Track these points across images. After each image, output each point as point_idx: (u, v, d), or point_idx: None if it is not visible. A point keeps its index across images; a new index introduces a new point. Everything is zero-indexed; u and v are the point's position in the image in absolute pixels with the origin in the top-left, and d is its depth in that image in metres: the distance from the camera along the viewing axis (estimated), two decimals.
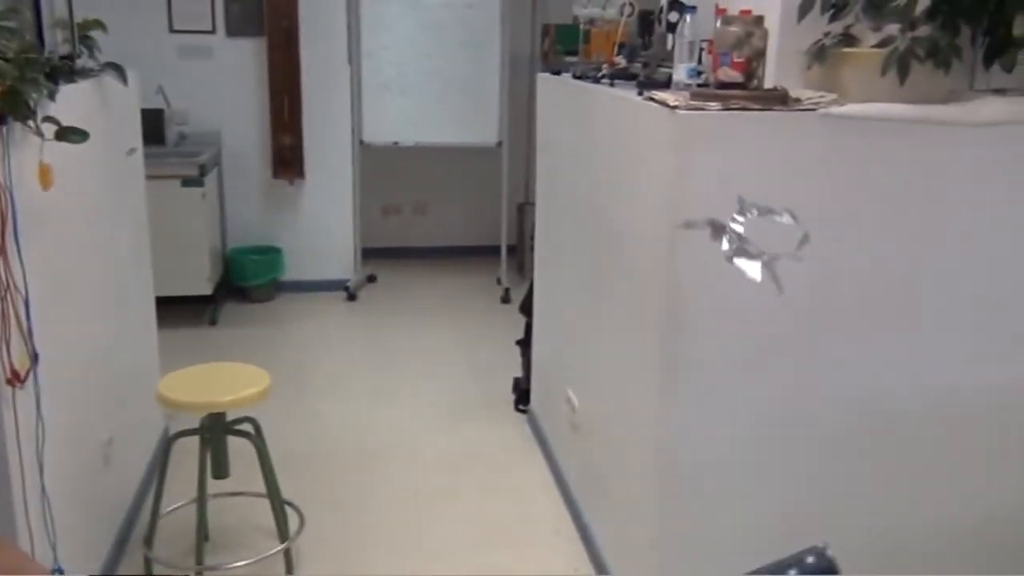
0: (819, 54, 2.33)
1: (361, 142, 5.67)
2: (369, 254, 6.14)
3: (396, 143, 5.70)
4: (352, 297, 5.75)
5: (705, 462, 2.35)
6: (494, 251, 6.04)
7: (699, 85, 2.41)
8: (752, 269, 2.22)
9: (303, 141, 5.61)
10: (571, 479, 3.34)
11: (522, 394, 4.14)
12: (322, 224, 5.80)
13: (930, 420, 2.42)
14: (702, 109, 2.16)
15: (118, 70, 2.98)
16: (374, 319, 5.43)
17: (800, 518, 2.44)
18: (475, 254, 6.47)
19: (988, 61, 2.31)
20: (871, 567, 2.50)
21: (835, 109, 2.18)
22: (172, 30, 5.41)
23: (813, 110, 2.18)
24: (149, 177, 3.65)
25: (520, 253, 6.19)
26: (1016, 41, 2.23)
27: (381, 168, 6.22)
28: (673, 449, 2.34)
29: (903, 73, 2.15)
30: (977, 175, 2.27)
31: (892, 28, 2.24)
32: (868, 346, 2.34)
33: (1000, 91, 2.38)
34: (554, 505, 3.36)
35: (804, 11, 2.33)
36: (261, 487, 2.89)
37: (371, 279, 6.08)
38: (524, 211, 6.04)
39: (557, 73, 3.55)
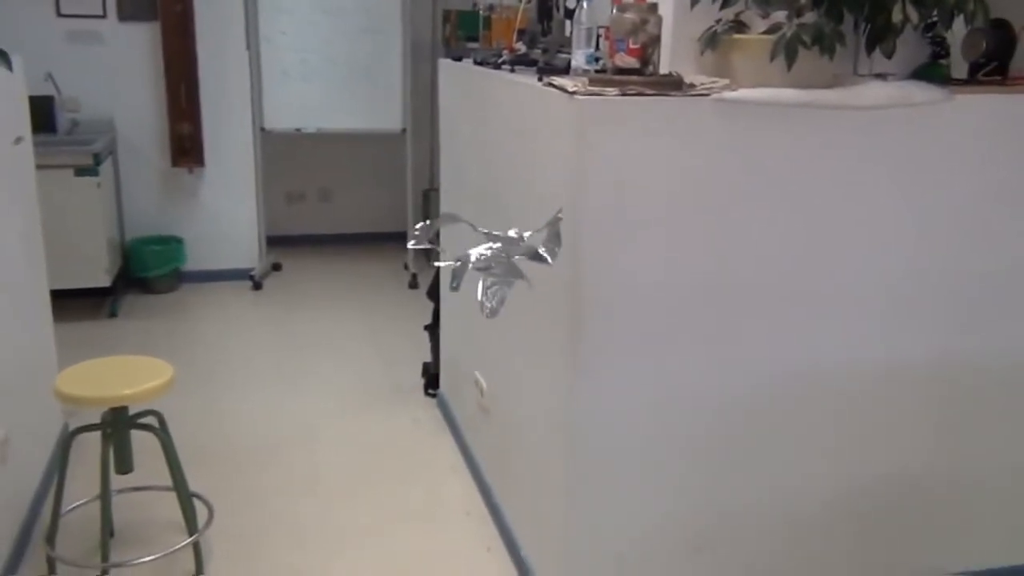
0: (711, 40, 2.38)
1: (262, 129, 5.56)
2: (274, 242, 6.03)
3: (298, 130, 5.61)
4: (257, 286, 5.65)
5: (610, 439, 2.40)
6: (400, 237, 6.00)
7: (597, 71, 2.44)
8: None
9: (202, 129, 5.48)
10: (481, 460, 3.36)
11: (431, 378, 4.14)
12: (224, 212, 5.68)
13: (821, 393, 2.51)
14: (600, 94, 2.18)
15: (1, 55, 2.85)
16: (280, 308, 5.35)
17: (703, 490, 2.51)
18: (381, 240, 6.43)
19: (870, 47, 2.39)
20: (772, 530, 2.59)
21: (727, 94, 2.23)
22: (60, 14, 5.19)
23: (706, 95, 2.23)
24: (40, 167, 3.51)
25: None
26: (895, 28, 2.32)
27: (284, 155, 6.12)
28: (579, 427, 2.38)
29: (790, 59, 2.21)
30: (861, 156, 2.36)
31: (780, 15, 2.30)
32: (764, 323, 2.41)
33: (881, 76, 2.48)
34: (465, 486, 3.38)
35: None
36: (167, 481, 2.82)
37: (276, 267, 5.98)
38: (430, 197, 6.01)
39: (458, 59, 3.54)
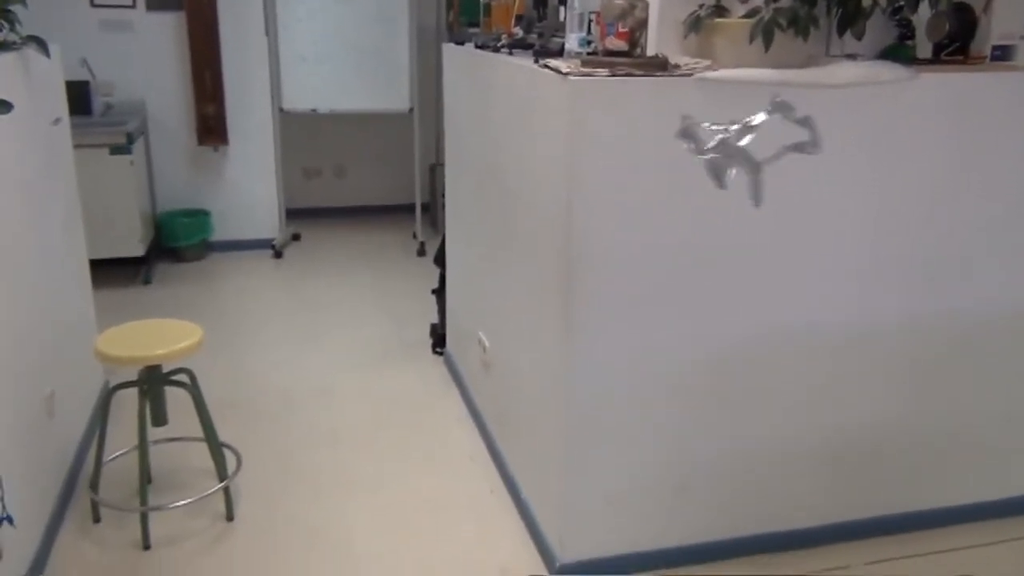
0: (694, 24, 2.35)
1: (281, 109, 5.52)
2: (293, 214, 6.01)
3: (314, 110, 5.57)
4: (278, 255, 5.64)
5: (600, 391, 2.40)
6: (409, 209, 5.99)
7: (589, 53, 2.42)
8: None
9: (225, 110, 5.44)
10: (484, 412, 3.38)
11: (438, 338, 4.14)
12: (247, 187, 5.66)
13: (795, 349, 2.52)
14: (591, 75, 2.16)
15: (39, 43, 2.82)
16: (299, 275, 5.34)
17: (686, 436, 2.52)
18: (392, 212, 6.41)
19: (841, 29, 2.36)
20: (749, 473, 2.61)
21: (709, 74, 2.21)
22: (93, 4, 5.14)
23: (690, 75, 2.21)
24: (78, 146, 3.49)
25: (433, 210, 6.15)
26: (865, 11, 2.30)
27: (301, 134, 6.09)
28: (572, 381, 2.38)
29: (768, 40, 2.20)
30: (833, 131, 2.34)
31: (758, 0, 2.28)
32: (742, 285, 2.41)
33: (852, 56, 2.46)
34: (470, 435, 3.40)
35: None
36: (199, 433, 2.84)
37: (296, 237, 5.97)
38: (435, 171, 5.99)
39: (461, 43, 3.50)
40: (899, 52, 2.52)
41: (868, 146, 2.39)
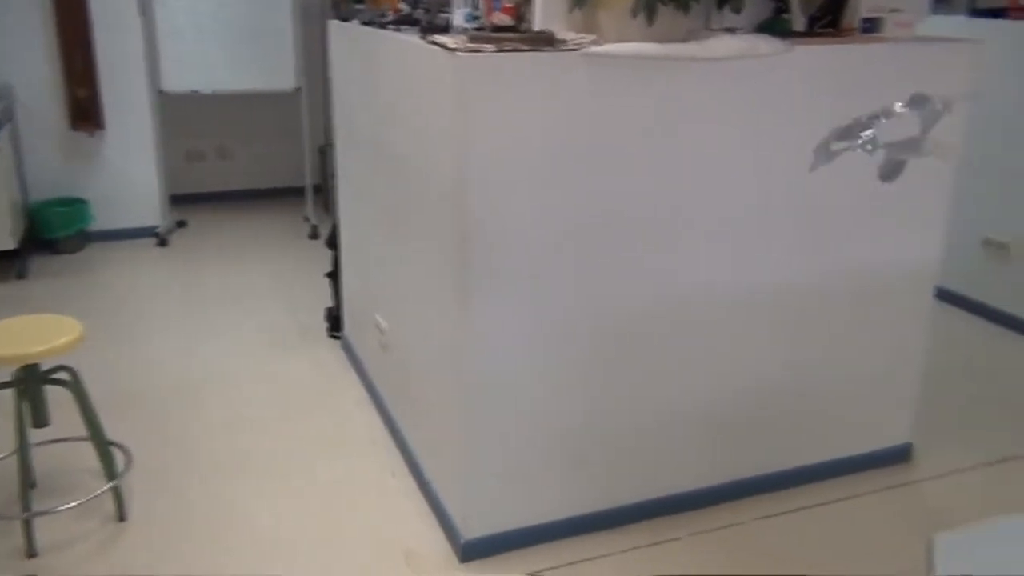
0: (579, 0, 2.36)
1: (160, 91, 5.29)
2: (177, 200, 5.79)
3: (195, 91, 5.35)
4: (163, 243, 5.43)
5: (497, 368, 2.41)
6: (299, 191, 5.85)
7: (476, 29, 2.40)
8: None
9: (99, 92, 5.18)
10: (384, 395, 3.34)
11: (334, 322, 4.08)
12: (127, 173, 5.40)
13: (683, 316, 2.58)
14: (479, 51, 2.15)
15: None
16: (187, 263, 5.16)
17: (581, 409, 2.55)
18: (281, 195, 6.25)
19: (720, 3, 2.42)
20: (640, 442, 2.67)
21: (595, 49, 2.22)
22: None
23: (576, 50, 2.22)
24: None
25: (325, 192, 6.02)
26: None
27: (183, 116, 5.85)
28: (469, 359, 2.38)
29: (650, 15, 2.22)
30: (714, 102, 2.39)
31: None
32: (631, 255, 2.45)
33: (730, 30, 2.51)
34: (370, 418, 3.36)
35: None
36: (84, 432, 2.72)
37: (181, 224, 5.75)
38: (326, 152, 5.86)
39: (346, 20, 3.42)
40: (775, 25, 2.59)
41: (748, 116, 2.45)
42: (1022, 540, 1.45)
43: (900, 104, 1.67)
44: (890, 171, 1.71)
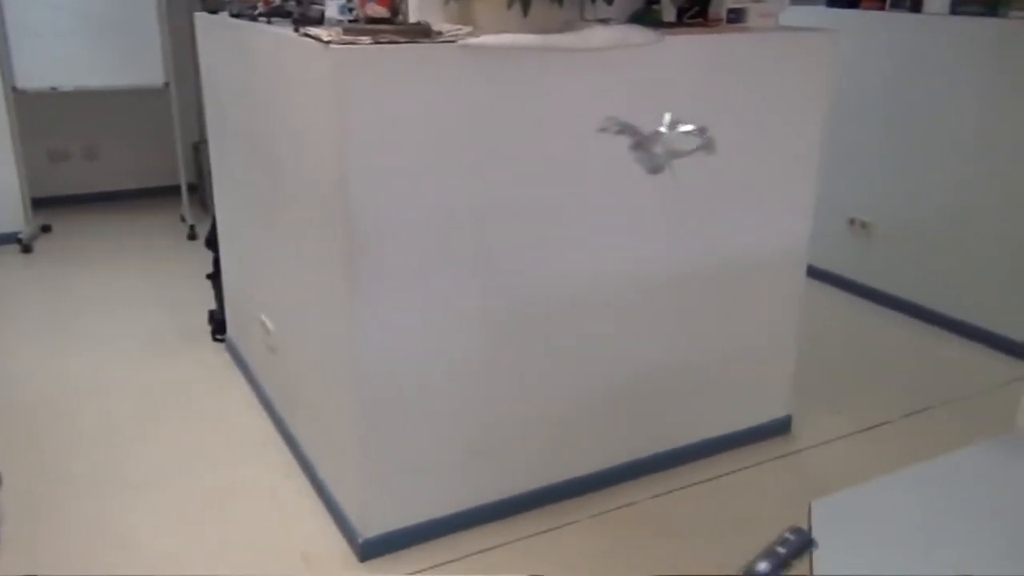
0: None
1: (14, 89, 4.99)
2: (41, 203, 5.49)
3: (55, 88, 5.07)
4: (27, 249, 5.13)
5: (390, 362, 2.39)
6: (174, 191, 5.64)
7: (350, 21, 2.36)
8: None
9: None
10: (273, 396, 3.27)
11: (218, 324, 3.95)
12: None
13: (575, 305, 2.62)
14: (354, 43, 2.12)
15: None
16: (55, 269, 4.89)
17: (477, 400, 2.57)
18: (155, 195, 6.01)
19: None
20: (537, 429, 2.70)
21: (472, 40, 2.22)
22: None
23: (453, 42, 2.21)
24: None
25: (201, 191, 5.82)
26: None
27: (43, 114, 5.55)
28: (360, 355, 2.35)
29: (525, 6, 2.24)
30: (591, 91, 2.43)
31: None
32: (519, 246, 2.47)
33: (604, 21, 2.55)
34: (259, 422, 3.28)
35: None
36: None
37: (46, 229, 5.45)
38: (200, 149, 5.66)
39: (215, 12, 3.31)
40: (647, 16, 2.65)
41: (622, 105, 2.50)
42: (892, 499, 1.54)
43: (666, 121, 1.88)
44: (654, 168, 1.95)
